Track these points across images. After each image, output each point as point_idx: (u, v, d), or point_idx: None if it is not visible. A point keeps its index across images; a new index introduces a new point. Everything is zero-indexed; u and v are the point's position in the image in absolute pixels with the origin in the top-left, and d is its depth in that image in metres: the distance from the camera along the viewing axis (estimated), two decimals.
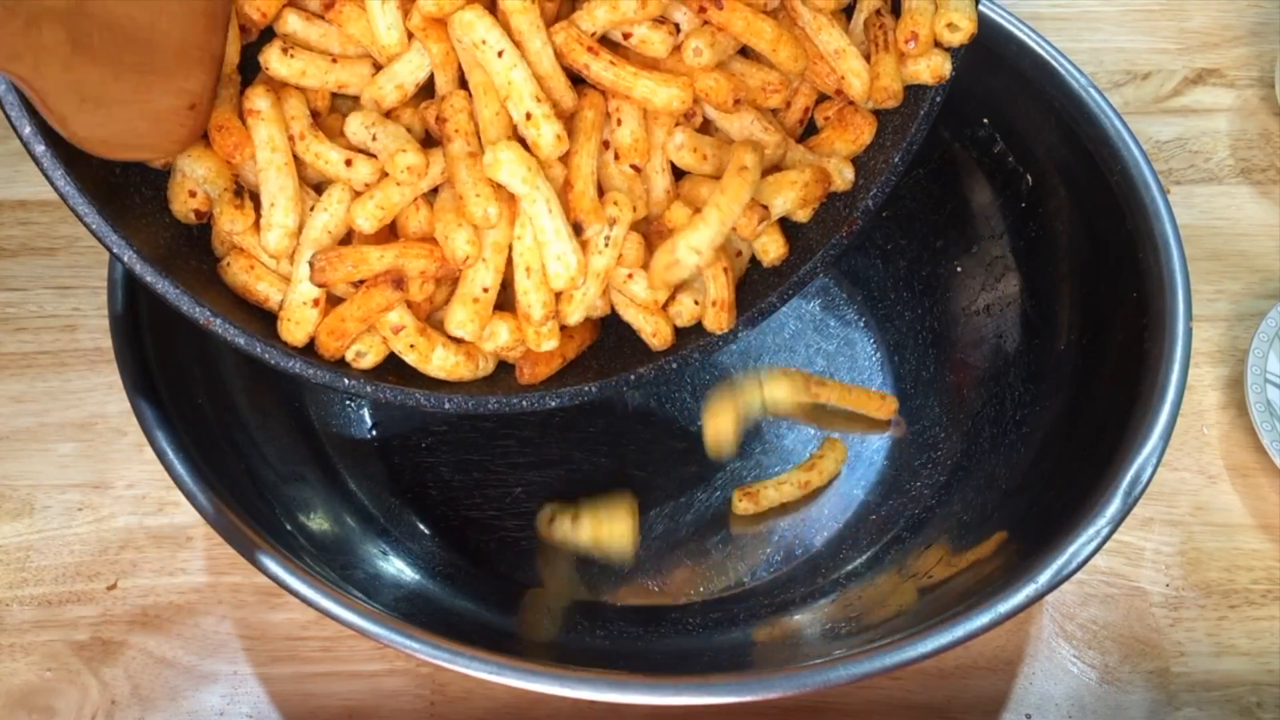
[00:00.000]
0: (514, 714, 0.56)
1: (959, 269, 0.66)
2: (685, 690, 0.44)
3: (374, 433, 0.63)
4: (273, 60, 0.46)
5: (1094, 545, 0.47)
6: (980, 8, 0.60)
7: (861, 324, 0.68)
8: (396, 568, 0.57)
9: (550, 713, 0.55)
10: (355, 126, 0.46)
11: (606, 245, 0.46)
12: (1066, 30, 0.78)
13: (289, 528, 0.54)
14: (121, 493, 0.61)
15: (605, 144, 0.47)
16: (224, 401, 0.56)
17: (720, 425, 0.60)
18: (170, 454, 0.49)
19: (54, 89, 0.39)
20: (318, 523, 0.55)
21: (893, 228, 0.68)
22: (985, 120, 0.63)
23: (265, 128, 0.45)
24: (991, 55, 0.61)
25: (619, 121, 0.47)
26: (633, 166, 0.47)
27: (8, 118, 0.41)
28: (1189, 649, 0.58)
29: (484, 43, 0.44)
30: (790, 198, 0.48)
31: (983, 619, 0.46)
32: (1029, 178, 0.62)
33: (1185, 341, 0.52)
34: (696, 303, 0.49)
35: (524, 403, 0.48)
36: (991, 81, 0.62)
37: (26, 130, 0.41)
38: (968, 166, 0.64)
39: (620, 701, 0.43)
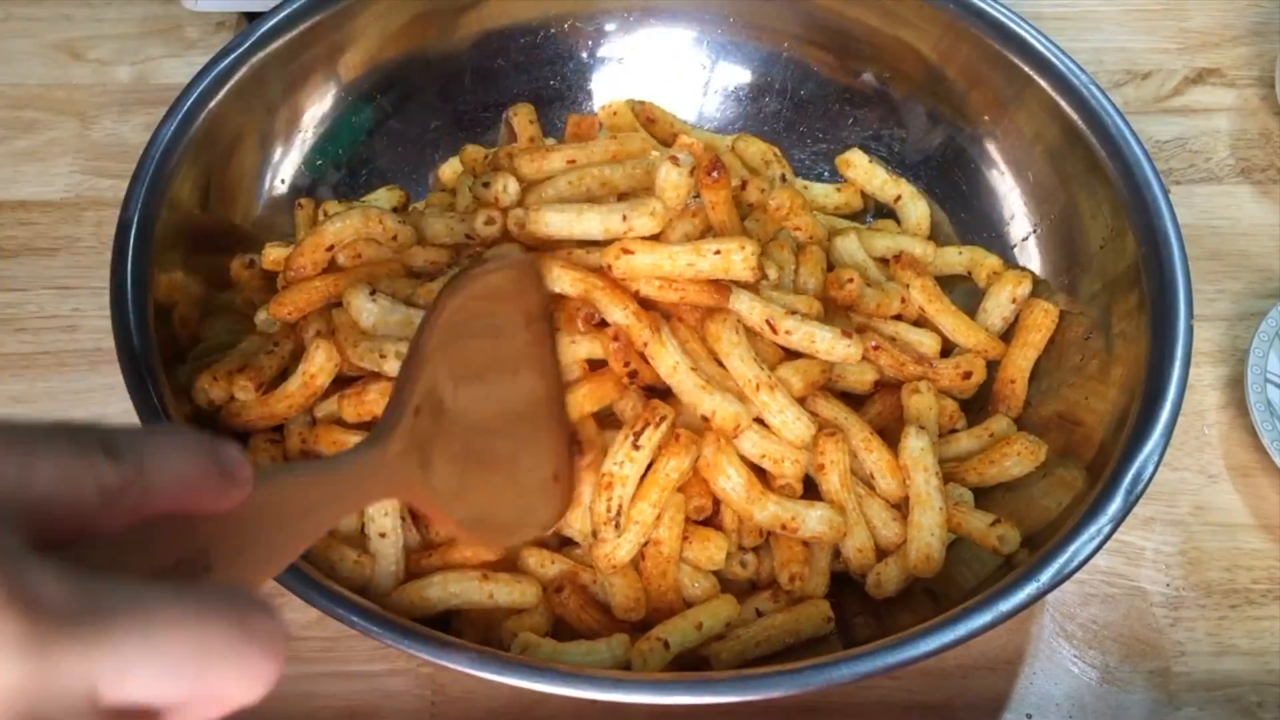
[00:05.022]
0: (514, 714, 0.56)
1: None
2: (686, 690, 0.44)
3: None
4: None
5: (1094, 544, 0.47)
6: (983, 6, 0.61)
7: None
8: None
9: (551, 712, 0.55)
10: None
11: None
12: (1067, 29, 0.78)
13: None
14: None
15: None
16: None
17: None
18: None
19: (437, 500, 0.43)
20: None
21: None
22: (985, 119, 0.63)
23: None
24: (992, 53, 0.61)
25: None
26: None
27: None
28: (1189, 649, 0.58)
29: None
30: None
31: (983, 618, 0.45)
32: (1030, 176, 0.62)
33: (1186, 341, 0.52)
34: None
35: None
36: (992, 80, 0.62)
37: None
38: (968, 166, 0.64)
39: (621, 701, 0.43)
